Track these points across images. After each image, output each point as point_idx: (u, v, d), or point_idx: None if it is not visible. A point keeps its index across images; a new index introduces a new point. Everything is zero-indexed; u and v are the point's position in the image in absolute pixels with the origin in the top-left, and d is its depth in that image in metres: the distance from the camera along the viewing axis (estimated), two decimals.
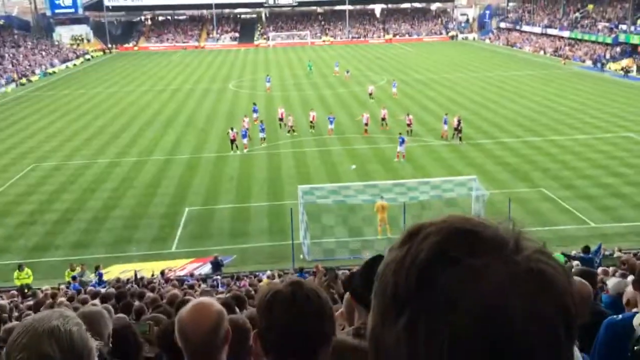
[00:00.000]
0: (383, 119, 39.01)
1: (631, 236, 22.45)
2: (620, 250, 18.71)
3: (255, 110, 41.57)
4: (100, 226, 24.70)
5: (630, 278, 6.87)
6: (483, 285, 0.85)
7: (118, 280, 17.38)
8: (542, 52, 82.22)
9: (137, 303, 10.16)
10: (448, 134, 35.97)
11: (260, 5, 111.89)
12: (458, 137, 35.52)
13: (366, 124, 37.80)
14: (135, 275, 18.07)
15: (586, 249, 17.10)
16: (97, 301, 10.99)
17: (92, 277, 19.25)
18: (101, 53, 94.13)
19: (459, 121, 35.80)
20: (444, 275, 0.86)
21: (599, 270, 12.34)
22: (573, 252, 17.62)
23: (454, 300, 0.85)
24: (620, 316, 3.61)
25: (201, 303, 2.54)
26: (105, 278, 18.73)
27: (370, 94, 49.56)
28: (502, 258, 0.88)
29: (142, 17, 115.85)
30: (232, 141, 34.71)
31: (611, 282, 6.78)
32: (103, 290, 14.44)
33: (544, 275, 0.88)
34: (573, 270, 10.71)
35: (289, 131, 38.21)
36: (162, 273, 18.82)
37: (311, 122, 38.68)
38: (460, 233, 0.90)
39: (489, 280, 0.85)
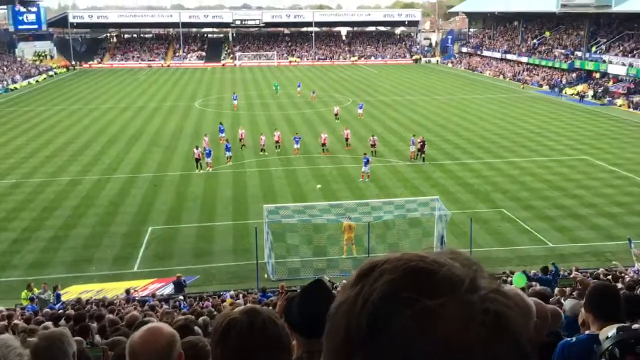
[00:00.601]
0: (346, 139, 39.48)
1: (588, 256, 23.10)
2: (577, 270, 19.23)
3: (221, 130, 41.46)
4: (60, 245, 24.19)
5: (573, 301, 7.14)
6: (438, 327, 0.82)
7: (78, 300, 17.03)
8: (501, 77, 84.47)
9: (95, 325, 10.01)
10: (415, 155, 36.68)
11: (228, 25, 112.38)
12: (422, 157, 36.18)
13: (323, 144, 38.34)
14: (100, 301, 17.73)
15: (545, 270, 17.53)
16: (50, 324, 10.72)
17: (52, 296, 18.81)
18: (64, 70, 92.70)
19: (422, 142, 36.53)
20: (397, 316, 0.84)
21: (556, 290, 12.67)
22: (532, 272, 18.06)
23: (408, 343, 0.82)
24: (574, 338, 3.74)
25: (152, 327, 2.50)
26: (64, 298, 18.31)
27: (336, 115, 50.06)
28: (457, 298, 0.85)
29: (108, 35, 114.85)
30: (197, 160, 34.65)
31: (567, 304, 6.82)
32: (61, 311, 14.16)
33: (500, 316, 0.86)
34: (530, 290, 11.00)
35: (261, 150, 38.14)
36: (128, 292, 18.50)
37: (277, 142, 38.84)
38: (415, 272, 0.87)
39: (444, 322, 0.83)
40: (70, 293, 19.59)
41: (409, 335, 0.82)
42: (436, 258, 0.91)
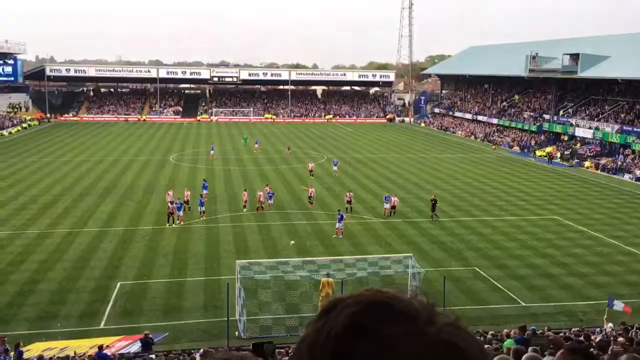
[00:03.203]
0: (310, 197, 39.33)
1: (560, 316, 23.17)
2: (549, 330, 19.24)
3: (204, 187, 40.96)
4: (24, 300, 23.42)
5: (549, 359, 7.13)
6: (396, 356, 0.86)
7: (40, 358, 16.39)
8: (473, 137, 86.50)
9: None
10: (390, 212, 36.93)
11: (205, 81, 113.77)
12: (434, 214, 36.58)
13: (310, 197, 38.70)
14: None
15: (522, 329, 17.44)
16: None
17: (11, 355, 18.04)
18: (37, 122, 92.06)
19: (434, 200, 37.16)
20: (358, 346, 0.87)
21: (530, 349, 12.63)
22: (512, 332, 17.96)
23: None
24: None
25: None
26: (25, 356, 17.59)
27: (311, 171, 50.41)
28: (414, 330, 0.89)
29: (84, 88, 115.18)
30: (170, 214, 34.36)
31: None
32: None
33: (457, 347, 0.89)
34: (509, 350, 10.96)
35: (244, 206, 37.85)
36: (100, 348, 17.81)
37: (245, 202, 38.43)
38: (375, 305, 0.92)
39: (403, 352, 0.86)
40: (32, 351, 18.84)
41: None
42: (396, 293, 0.96)
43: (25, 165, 54.27)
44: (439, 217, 36.64)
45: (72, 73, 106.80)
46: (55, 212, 36.97)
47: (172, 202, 35.13)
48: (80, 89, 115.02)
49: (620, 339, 13.98)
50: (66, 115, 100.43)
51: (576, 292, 25.36)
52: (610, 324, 19.35)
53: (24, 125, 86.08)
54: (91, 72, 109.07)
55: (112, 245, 30.48)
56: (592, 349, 10.65)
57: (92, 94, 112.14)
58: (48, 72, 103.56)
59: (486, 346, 14.50)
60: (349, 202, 37.99)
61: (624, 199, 45.36)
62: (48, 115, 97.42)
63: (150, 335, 19.59)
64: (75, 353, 17.90)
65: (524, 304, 24.08)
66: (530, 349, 12.60)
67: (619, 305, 21.33)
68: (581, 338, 14.99)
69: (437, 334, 0.90)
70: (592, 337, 15.13)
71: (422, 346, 0.88)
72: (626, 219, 38.50)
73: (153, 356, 17.79)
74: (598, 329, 18.73)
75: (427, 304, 0.96)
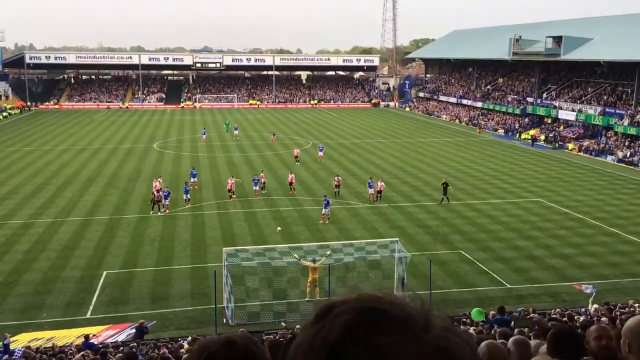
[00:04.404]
0: (290, 184, 39.23)
1: (544, 297, 23.46)
2: (534, 311, 19.49)
3: (193, 175, 40.78)
4: (9, 291, 23.21)
5: (535, 341, 7.19)
6: None
7: (27, 349, 16.29)
8: (457, 121, 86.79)
9: None
10: (374, 197, 37.03)
11: (188, 68, 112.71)
12: (446, 197, 36.83)
13: (291, 183, 38.85)
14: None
15: (501, 310, 17.69)
16: None
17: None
18: (18, 111, 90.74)
19: (445, 184, 37.39)
20: (354, 353, 0.88)
21: (516, 331, 12.79)
22: (491, 314, 18.21)
23: None
24: None
25: None
26: (12, 347, 17.47)
27: (296, 157, 50.31)
28: (411, 336, 0.90)
29: (65, 76, 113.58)
30: (155, 202, 34.15)
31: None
32: None
33: (452, 353, 0.90)
34: (497, 332, 11.07)
35: (231, 195, 37.60)
36: (87, 337, 17.74)
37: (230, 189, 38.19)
38: (370, 312, 0.92)
39: (398, 359, 0.87)
40: (18, 342, 18.72)
41: None
42: (391, 299, 0.96)
43: (6, 155, 53.52)
44: (449, 200, 36.94)
45: (52, 60, 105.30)
46: (38, 202, 36.58)
47: (158, 191, 34.83)
48: (61, 77, 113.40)
49: (603, 318, 14.20)
50: (47, 103, 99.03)
51: (560, 274, 25.69)
52: (596, 305, 19.65)
53: (4, 114, 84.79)
54: (71, 59, 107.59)
55: (97, 235, 30.26)
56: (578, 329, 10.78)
57: (72, 81, 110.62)
58: (28, 60, 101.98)
59: (471, 329, 14.65)
60: (337, 186, 38.20)
61: (607, 181, 45.88)
62: (29, 103, 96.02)
63: (145, 324, 19.51)
64: (53, 345, 17.81)
65: (509, 286, 24.35)
66: (516, 330, 12.76)
67: (588, 289, 21.78)
68: (565, 318, 15.20)
69: (432, 340, 0.91)
70: (576, 318, 15.35)
71: (418, 353, 0.88)
72: (609, 200, 38.97)
73: (135, 344, 17.74)
74: (583, 309, 19.02)
75: (422, 309, 0.96)
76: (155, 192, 34.74)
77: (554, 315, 16.73)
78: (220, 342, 1.86)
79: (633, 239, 30.71)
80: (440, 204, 36.49)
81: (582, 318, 15.30)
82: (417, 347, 0.89)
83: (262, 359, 1.94)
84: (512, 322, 16.68)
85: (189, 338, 18.16)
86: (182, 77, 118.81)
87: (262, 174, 40.39)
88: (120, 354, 15.52)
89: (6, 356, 16.36)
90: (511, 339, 5.59)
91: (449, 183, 38.06)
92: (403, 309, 0.94)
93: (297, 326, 17.56)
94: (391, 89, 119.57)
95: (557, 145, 63.88)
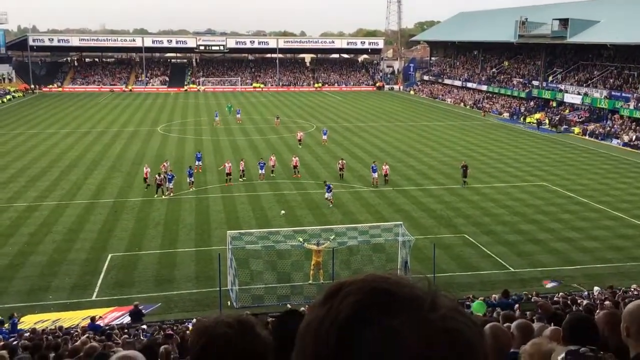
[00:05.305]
0: (295, 167, 39.22)
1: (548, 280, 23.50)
2: (537, 295, 19.54)
3: (198, 158, 40.88)
4: (15, 274, 23.40)
5: (538, 324, 7.20)
6: (401, 345, 0.88)
7: (34, 330, 16.45)
8: (462, 104, 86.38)
9: (52, 355, 9.68)
10: (378, 181, 36.93)
11: (192, 50, 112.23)
12: (464, 181, 37.12)
13: (295, 166, 38.55)
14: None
15: (505, 293, 17.76)
16: (5, 352, 10.37)
17: (6, 326, 18.10)
18: (21, 94, 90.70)
19: (465, 166, 37.59)
20: (363, 335, 0.89)
21: (518, 314, 12.83)
22: (493, 297, 18.27)
23: (373, 359, 0.88)
24: None
25: (126, 355, 2.49)
26: (19, 328, 17.66)
27: (300, 140, 50.24)
28: (418, 317, 0.91)
29: (68, 58, 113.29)
30: (159, 185, 34.19)
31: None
32: (15, 342, 13.64)
33: (459, 334, 0.92)
34: (500, 315, 11.10)
35: (241, 176, 37.70)
36: (93, 319, 17.89)
37: (242, 171, 38.34)
38: (378, 293, 0.93)
39: (407, 341, 0.88)
40: (25, 323, 18.92)
41: (374, 352, 0.88)
42: (399, 280, 0.97)
43: (10, 137, 53.61)
44: (468, 182, 37.15)
45: (55, 43, 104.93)
46: (43, 184, 36.69)
47: (159, 174, 34.82)
48: (64, 59, 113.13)
49: (607, 302, 14.22)
50: (50, 86, 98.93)
51: (564, 257, 25.70)
52: (597, 288, 19.68)
53: (8, 97, 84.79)
54: (75, 41, 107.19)
55: (102, 217, 30.39)
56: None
57: (76, 64, 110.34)
58: (31, 42, 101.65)
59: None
60: (342, 168, 38.36)
61: (612, 165, 45.71)
62: (32, 86, 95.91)
63: (140, 307, 19.61)
64: (56, 327, 17.98)
65: (512, 270, 24.40)
66: (518, 313, 12.82)
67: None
68: (568, 301, 15.24)
69: (440, 321, 0.92)
70: (579, 302, 15.38)
71: (425, 334, 0.89)
72: (614, 184, 38.86)
73: (145, 327, 17.90)
74: (585, 293, 19.05)
75: (429, 289, 0.97)
76: (157, 176, 34.54)
77: (556, 299, 16.77)
78: (225, 322, 1.82)
79: (637, 223, 30.67)
80: (464, 187, 36.75)
81: (585, 302, 15.32)
82: (425, 328, 0.90)
83: (269, 344, 1.96)
84: (516, 306, 16.75)
85: (194, 320, 18.31)
86: (185, 60, 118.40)
87: (272, 157, 40.29)
88: (126, 336, 15.65)
89: (15, 335, 16.51)
90: (514, 323, 5.61)
91: (468, 166, 38.07)
92: (410, 289, 0.95)
93: (302, 309, 17.66)
94: (395, 72, 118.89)
95: (562, 129, 63.58)
